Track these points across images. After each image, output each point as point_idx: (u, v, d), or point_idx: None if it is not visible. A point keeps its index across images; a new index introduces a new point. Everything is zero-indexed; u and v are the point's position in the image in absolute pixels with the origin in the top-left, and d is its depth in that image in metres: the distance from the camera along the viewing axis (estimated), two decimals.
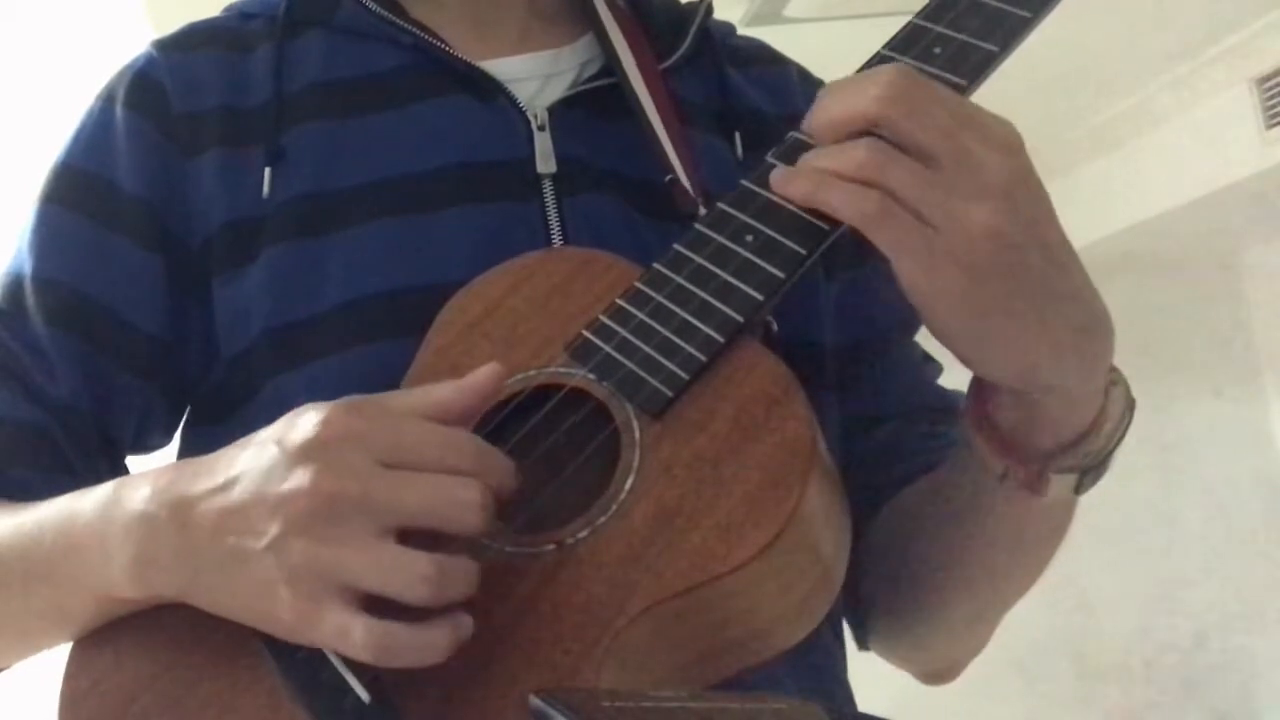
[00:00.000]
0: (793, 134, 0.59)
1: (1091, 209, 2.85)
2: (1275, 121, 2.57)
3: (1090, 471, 0.58)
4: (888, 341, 0.78)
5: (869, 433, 0.75)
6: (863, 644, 0.78)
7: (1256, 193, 2.72)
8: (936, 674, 0.79)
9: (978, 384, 0.59)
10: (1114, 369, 0.58)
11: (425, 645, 0.49)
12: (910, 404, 0.77)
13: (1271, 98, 2.58)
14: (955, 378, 0.79)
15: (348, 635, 0.48)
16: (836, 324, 0.75)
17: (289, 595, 0.49)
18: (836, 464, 0.59)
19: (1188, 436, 3.05)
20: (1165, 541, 3.11)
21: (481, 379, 0.54)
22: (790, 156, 0.58)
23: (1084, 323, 0.54)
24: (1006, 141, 0.53)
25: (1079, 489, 0.59)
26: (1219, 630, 3.07)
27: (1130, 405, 0.58)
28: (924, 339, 0.81)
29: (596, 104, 0.72)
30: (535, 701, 0.45)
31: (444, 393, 0.54)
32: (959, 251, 0.51)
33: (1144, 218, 2.85)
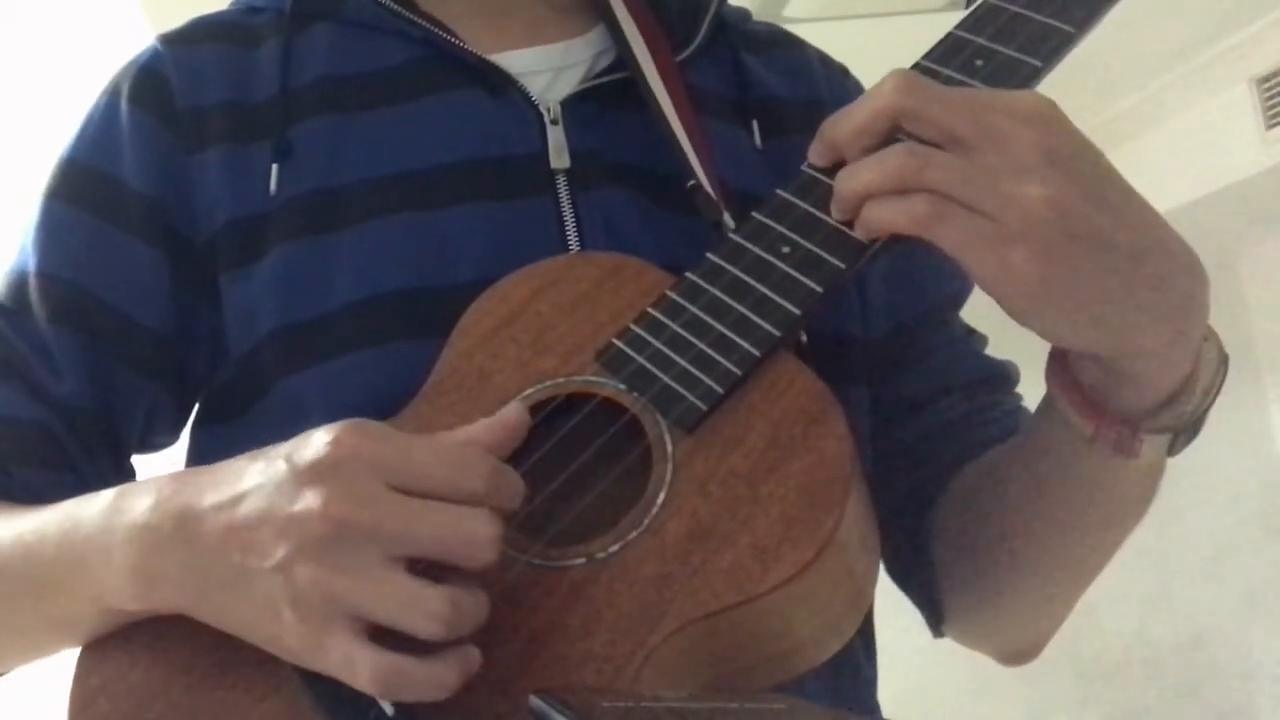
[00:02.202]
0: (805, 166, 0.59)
1: None
2: (1275, 121, 2.56)
3: (1184, 432, 0.56)
4: (936, 319, 0.78)
5: (926, 410, 0.74)
6: (938, 630, 0.76)
7: (1256, 193, 2.71)
8: (1017, 653, 0.77)
9: (1061, 349, 0.57)
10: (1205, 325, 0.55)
11: (434, 681, 0.47)
12: (966, 378, 0.76)
13: (1271, 98, 2.58)
14: (999, 350, 0.79)
15: (353, 666, 0.47)
16: (883, 308, 0.75)
17: (294, 620, 0.48)
18: (865, 464, 0.58)
19: None
20: (1165, 541, 3.10)
21: (510, 417, 0.53)
22: (828, 168, 0.57)
23: (1172, 278, 0.52)
24: (1036, 111, 0.51)
25: (1173, 450, 0.57)
26: (1219, 630, 3.06)
27: (1224, 361, 0.56)
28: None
29: (610, 97, 0.71)
30: (535, 701, 0.45)
31: (471, 432, 0.53)
32: (1021, 232, 0.49)
33: None
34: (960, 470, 0.71)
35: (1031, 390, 0.65)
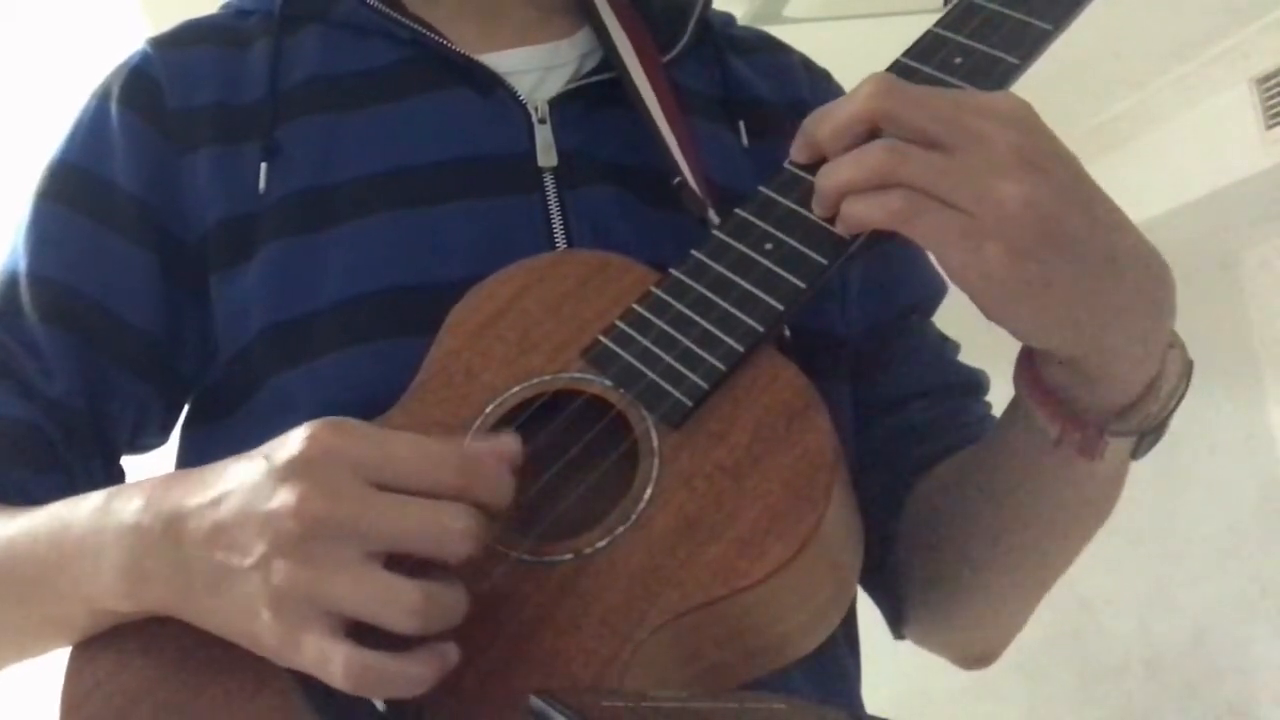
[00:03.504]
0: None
1: None
2: (1275, 121, 2.56)
3: (1148, 435, 0.57)
4: (909, 322, 0.78)
5: (896, 413, 0.75)
6: (899, 633, 0.77)
7: (1256, 193, 2.71)
8: (977, 657, 0.78)
9: (1029, 349, 0.58)
10: (1171, 331, 0.56)
11: (408, 679, 0.48)
12: (937, 382, 0.77)
13: (1271, 98, 2.58)
14: (971, 358, 0.80)
15: (327, 664, 0.47)
16: (859, 308, 0.75)
17: (270, 617, 0.48)
18: (850, 458, 0.58)
19: (1187, 436, 3.05)
20: (1165, 541, 3.11)
21: (508, 449, 0.53)
22: (809, 165, 0.57)
23: (1141, 281, 0.53)
24: (1014, 114, 0.52)
25: (1136, 453, 0.58)
26: (1219, 630, 3.06)
27: (1188, 368, 0.57)
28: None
29: (597, 97, 0.72)
30: (535, 701, 0.45)
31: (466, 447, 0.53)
32: (997, 229, 0.50)
33: (1144, 218, 2.84)
34: (927, 473, 0.72)
35: (1001, 394, 0.65)
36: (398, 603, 0.47)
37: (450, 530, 0.48)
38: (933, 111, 0.52)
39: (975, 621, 0.75)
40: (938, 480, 0.71)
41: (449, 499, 0.49)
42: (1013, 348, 0.57)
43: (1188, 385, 0.57)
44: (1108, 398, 0.56)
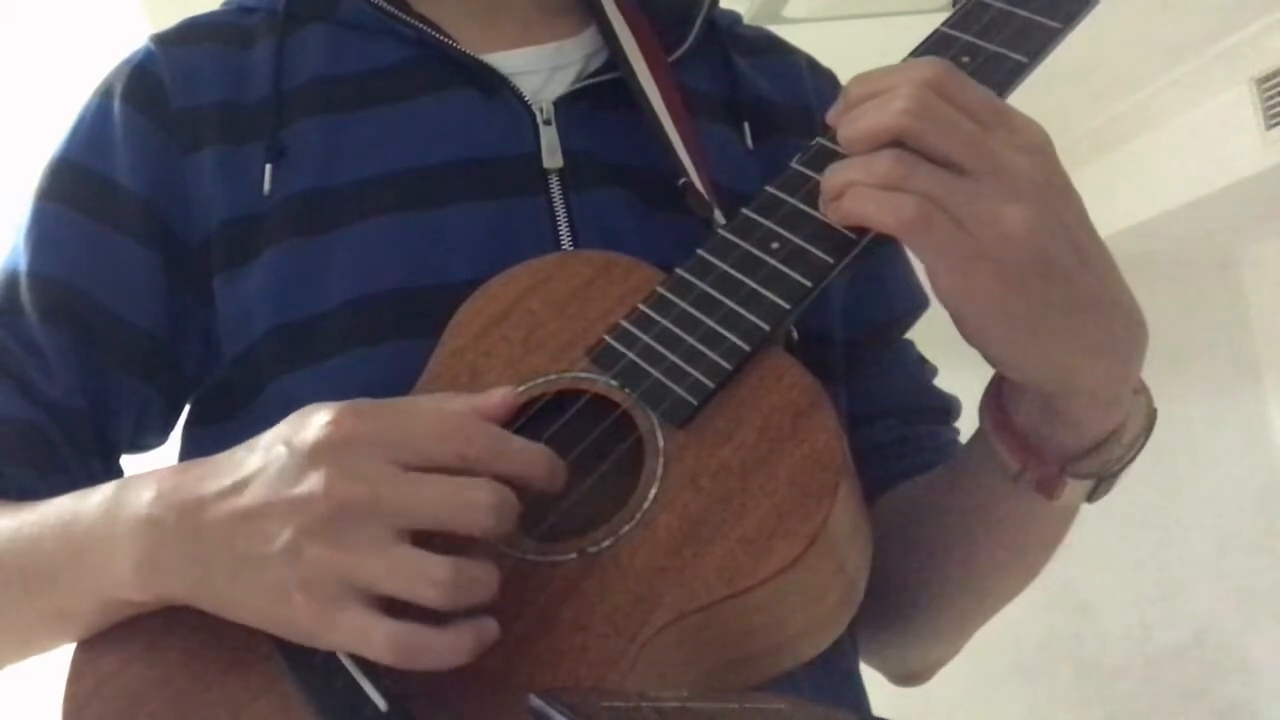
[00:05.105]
0: (819, 140, 0.58)
1: (1091, 209, 2.83)
2: (1275, 121, 2.57)
3: (1106, 479, 0.58)
4: (888, 338, 0.78)
5: (864, 428, 0.75)
6: None
7: (1256, 193, 2.72)
8: (910, 676, 0.78)
9: (998, 382, 0.58)
10: (1139, 379, 0.57)
11: (448, 647, 0.48)
12: (909, 403, 0.77)
13: (1271, 98, 2.58)
14: (946, 380, 0.80)
15: (368, 637, 0.48)
16: (840, 320, 0.75)
17: (304, 601, 0.48)
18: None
19: (1188, 436, 3.06)
20: (1165, 542, 3.11)
21: (496, 403, 0.54)
22: (816, 164, 0.57)
23: (1118, 327, 0.54)
24: (1035, 142, 0.52)
25: (1093, 496, 0.58)
26: (1219, 630, 3.07)
27: (1152, 415, 0.58)
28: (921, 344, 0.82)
29: (603, 97, 0.72)
30: (535, 701, 0.45)
31: (457, 406, 0.53)
32: (993, 254, 0.50)
33: (1144, 218, 2.85)
34: (886, 493, 0.72)
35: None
36: (427, 577, 0.48)
37: (473, 502, 0.49)
38: (958, 138, 0.51)
39: (916, 642, 0.75)
40: (895, 501, 0.71)
41: (478, 470, 0.50)
42: (986, 369, 0.57)
43: (1150, 432, 0.58)
44: (1072, 438, 0.56)
